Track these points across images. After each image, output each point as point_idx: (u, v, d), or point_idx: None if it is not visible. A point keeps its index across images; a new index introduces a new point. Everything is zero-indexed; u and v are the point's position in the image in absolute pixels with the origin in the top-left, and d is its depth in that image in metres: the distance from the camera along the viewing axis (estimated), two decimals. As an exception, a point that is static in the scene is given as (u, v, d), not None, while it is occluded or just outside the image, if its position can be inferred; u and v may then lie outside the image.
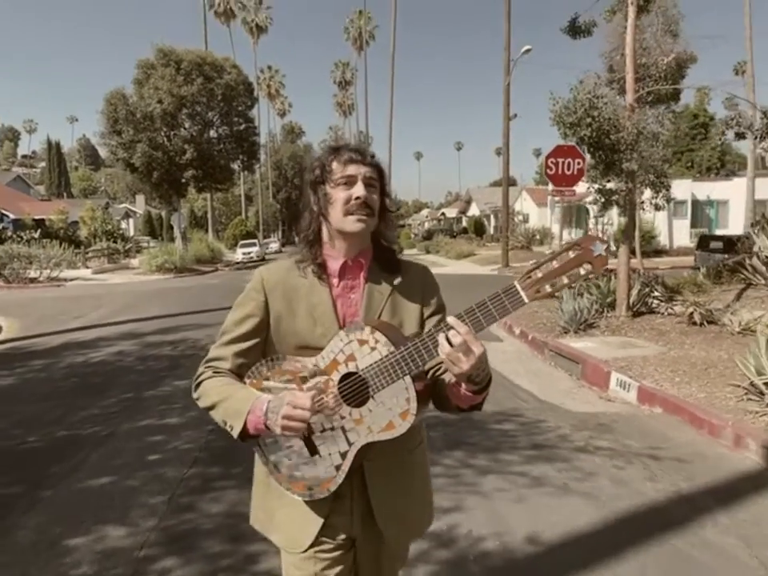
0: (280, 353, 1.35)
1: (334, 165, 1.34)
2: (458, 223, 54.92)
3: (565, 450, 4.03)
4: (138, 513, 3.18)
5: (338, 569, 1.37)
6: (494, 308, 1.13)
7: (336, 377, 1.26)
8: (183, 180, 24.02)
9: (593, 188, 8.02)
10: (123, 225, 40.81)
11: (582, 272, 1.10)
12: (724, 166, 46.93)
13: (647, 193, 14.83)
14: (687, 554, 2.71)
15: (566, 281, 1.11)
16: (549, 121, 7.25)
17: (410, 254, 36.35)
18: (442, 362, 1.28)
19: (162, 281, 20.86)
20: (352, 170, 1.32)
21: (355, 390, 1.24)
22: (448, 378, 1.29)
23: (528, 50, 20.56)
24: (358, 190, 1.31)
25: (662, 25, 14.12)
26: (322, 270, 1.37)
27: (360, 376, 1.23)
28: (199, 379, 1.38)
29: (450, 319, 1.14)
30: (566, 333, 7.76)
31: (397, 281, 1.39)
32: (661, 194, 14.57)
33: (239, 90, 25.26)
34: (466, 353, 1.12)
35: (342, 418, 1.26)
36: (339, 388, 1.25)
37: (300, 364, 1.29)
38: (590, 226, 29.57)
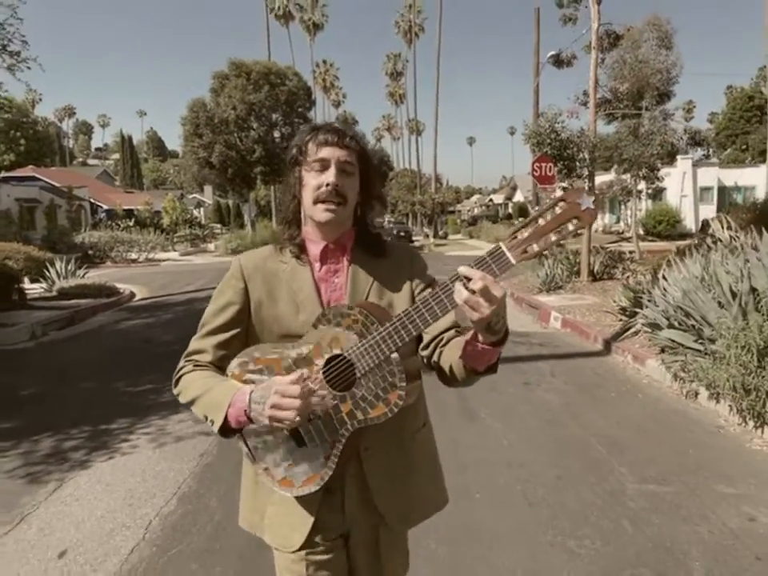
0: (262, 342, 1.28)
1: (309, 146, 1.27)
2: (504, 209, 57.15)
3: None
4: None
5: (330, 569, 1.33)
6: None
7: (321, 362, 1.18)
8: (253, 175, 27.88)
9: (559, 186, 10.94)
10: (196, 213, 45.53)
11: (571, 227, 1.03)
12: (781, 148, 46.61)
13: (642, 184, 17.69)
14: (521, 370, 5.88)
15: (554, 238, 1.04)
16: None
17: (454, 238, 39.37)
18: (446, 330, 1.28)
19: (237, 261, 24.71)
20: (325, 153, 1.25)
21: (341, 373, 1.17)
22: (455, 348, 1.22)
23: (555, 54, 23.02)
24: (329, 176, 1.24)
25: (656, 39, 16.61)
26: (301, 252, 1.32)
27: (345, 358, 1.16)
28: (180, 373, 1.32)
29: (462, 268, 1.06)
30: (540, 292, 10.81)
31: (382, 263, 1.33)
32: (654, 185, 17.48)
33: (299, 95, 28.82)
34: (487, 296, 1.03)
35: (330, 404, 1.17)
36: (324, 372, 1.18)
37: (283, 352, 1.21)
38: (621, 212, 31.68)
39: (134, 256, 24.72)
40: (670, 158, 19.01)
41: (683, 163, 28.49)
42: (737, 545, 2.71)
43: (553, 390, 5.26)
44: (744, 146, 46.76)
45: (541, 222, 1.05)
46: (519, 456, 3.74)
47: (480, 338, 1.13)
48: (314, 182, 1.26)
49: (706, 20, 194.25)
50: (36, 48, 9.77)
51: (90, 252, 23.78)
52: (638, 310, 6.71)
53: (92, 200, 36.36)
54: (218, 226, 43.41)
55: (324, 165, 1.26)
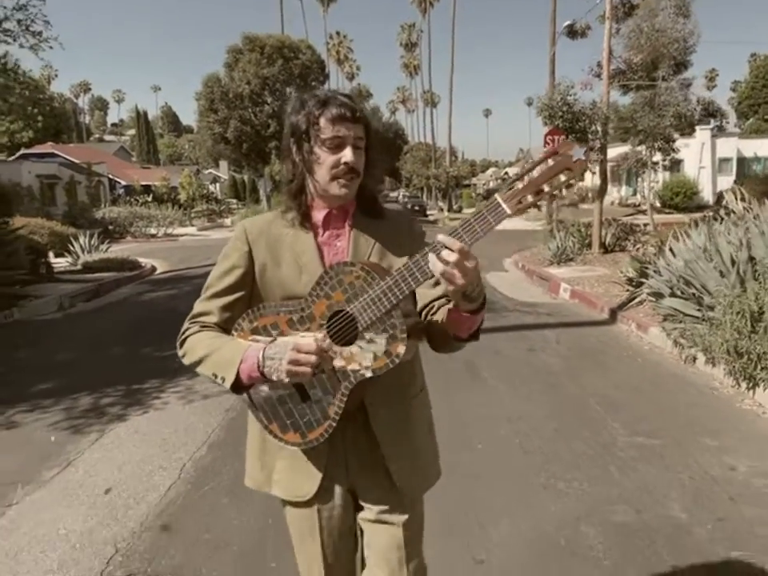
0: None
1: (322, 122, 1.25)
2: (520, 182, 56.71)
3: (503, 310, 7.44)
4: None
5: (341, 522, 1.38)
6: (477, 225, 1.11)
7: (323, 318, 1.22)
8: (267, 150, 28.04)
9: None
10: (212, 188, 45.86)
11: (563, 178, 1.07)
12: (806, 118, 45.34)
13: (657, 156, 17.57)
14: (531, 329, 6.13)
15: (547, 189, 1.08)
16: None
17: (468, 212, 39.20)
18: (436, 299, 1.31)
19: (254, 236, 25.06)
20: (341, 130, 1.25)
21: (343, 327, 1.20)
22: (441, 315, 1.26)
23: (569, 24, 22.65)
24: (347, 155, 1.26)
25: (674, 7, 16.34)
26: (305, 220, 1.34)
27: (347, 312, 1.20)
28: (185, 335, 1.34)
29: (441, 237, 1.10)
30: (551, 264, 10.97)
31: (382, 227, 1.37)
32: (669, 157, 17.36)
33: (313, 69, 28.78)
34: (461, 267, 1.08)
35: (332, 358, 1.21)
36: (327, 327, 1.21)
37: (286, 309, 1.26)
38: (638, 184, 31.35)
39: (153, 231, 25.15)
40: (690, 128, 18.79)
41: (702, 134, 28.03)
42: (714, 488, 2.97)
43: (556, 355, 5.51)
44: (767, 116, 45.68)
45: (535, 173, 1.08)
46: (519, 412, 4.02)
47: (460, 306, 1.18)
48: (330, 159, 1.26)
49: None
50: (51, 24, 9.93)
51: (111, 227, 24.22)
52: (643, 280, 6.89)
53: (110, 176, 36.81)
54: (234, 201, 43.68)
55: (340, 143, 1.26)
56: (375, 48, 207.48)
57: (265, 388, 1.28)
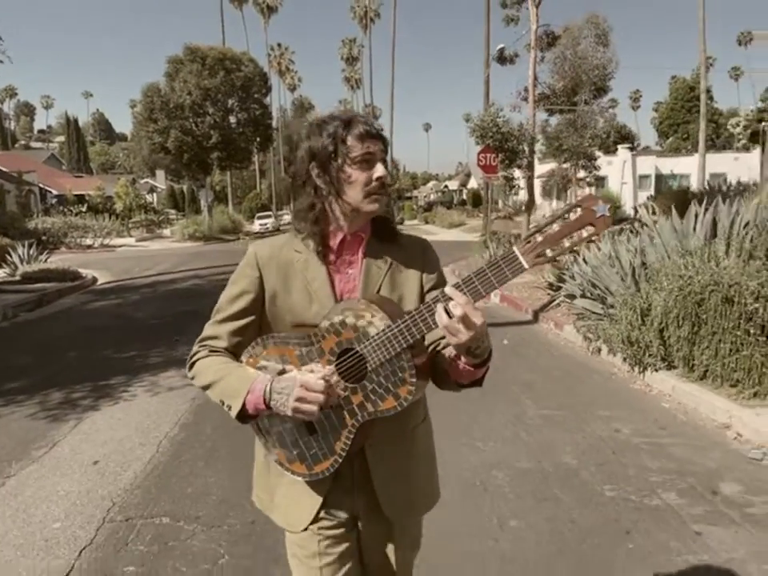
0: (276, 331, 1.32)
1: (350, 140, 1.26)
2: (459, 195, 58.52)
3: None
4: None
5: (341, 547, 1.36)
6: (492, 276, 1.09)
7: (332, 354, 1.22)
8: (209, 160, 28.09)
9: (501, 175, 12.00)
10: (149, 198, 44.99)
11: (585, 234, 1.06)
12: (719, 137, 48.74)
13: (581, 173, 18.94)
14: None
15: (567, 244, 1.07)
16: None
17: (410, 224, 40.35)
18: (442, 337, 1.26)
19: (195, 247, 24.97)
20: (371, 147, 1.27)
21: (353, 366, 1.21)
22: (448, 352, 1.25)
23: (501, 48, 24.10)
24: (380, 170, 1.27)
25: (594, 36, 17.84)
26: (322, 246, 1.33)
27: (357, 351, 1.20)
28: (194, 358, 1.35)
29: (448, 289, 1.10)
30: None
31: (395, 255, 1.35)
32: (591, 174, 18.77)
33: (255, 81, 29.09)
34: (466, 323, 1.08)
35: (341, 395, 1.22)
36: (337, 365, 1.22)
37: (295, 342, 1.26)
38: (567, 198, 33.33)
39: (89, 242, 24.67)
40: (610, 148, 20.42)
41: (623, 152, 30.30)
42: (601, 445, 3.72)
43: (484, 350, 6.25)
44: (685, 135, 48.74)
45: (555, 227, 1.07)
46: (447, 393, 4.68)
47: (462, 358, 1.19)
48: (362, 177, 1.26)
49: (654, 16, 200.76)
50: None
51: (44, 238, 23.53)
52: (561, 284, 7.79)
53: (41, 185, 35.60)
54: (173, 211, 43.07)
55: (371, 159, 1.27)
56: (317, 61, 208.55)
57: (271, 417, 1.28)
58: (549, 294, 8.52)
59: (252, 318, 1.34)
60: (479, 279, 1.09)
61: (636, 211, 19.64)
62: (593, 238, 1.09)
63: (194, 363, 1.35)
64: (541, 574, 2.44)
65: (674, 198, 14.64)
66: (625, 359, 5.40)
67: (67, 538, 2.69)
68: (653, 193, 30.45)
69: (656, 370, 5.02)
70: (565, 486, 3.18)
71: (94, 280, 13.56)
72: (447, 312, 1.09)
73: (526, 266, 1.08)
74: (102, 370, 5.50)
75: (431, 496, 1.48)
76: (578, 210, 1.07)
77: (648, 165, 31.57)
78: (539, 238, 1.08)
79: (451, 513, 2.73)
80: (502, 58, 12.94)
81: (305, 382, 1.17)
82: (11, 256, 13.33)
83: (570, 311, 7.18)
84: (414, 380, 1.17)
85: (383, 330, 1.17)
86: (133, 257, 20.37)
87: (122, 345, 6.45)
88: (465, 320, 1.08)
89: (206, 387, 1.30)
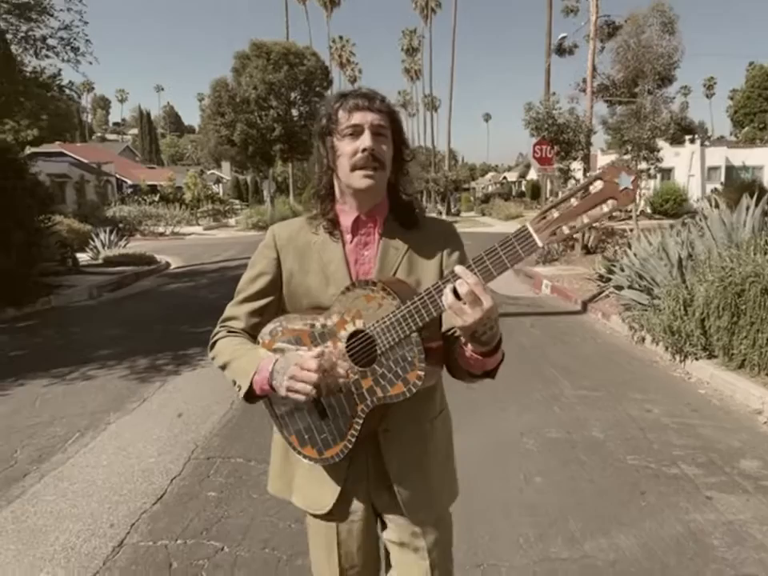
0: (292, 312, 1.32)
1: (340, 113, 1.24)
2: (518, 186, 57.76)
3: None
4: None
5: (361, 536, 1.36)
6: (504, 255, 1.04)
7: (344, 335, 1.20)
8: (272, 153, 29.11)
9: (557, 167, 12.06)
10: (215, 189, 46.89)
11: (606, 209, 0.98)
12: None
13: (643, 164, 18.64)
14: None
15: (586, 220, 0.99)
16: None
17: (466, 215, 40.37)
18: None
19: (258, 236, 25.79)
20: (358, 118, 1.23)
21: (363, 348, 1.18)
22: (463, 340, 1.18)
23: (564, 37, 23.76)
24: (365, 140, 1.22)
25: (659, 25, 17.41)
26: (333, 226, 1.31)
27: (367, 333, 1.17)
28: (214, 339, 1.37)
29: (458, 268, 1.05)
30: (537, 263, 12.01)
31: (415, 238, 1.31)
32: (654, 165, 18.48)
33: (317, 74, 29.83)
34: (473, 304, 1.03)
35: (351, 378, 1.19)
36: (347, 347, 1.20)
37: (309, 323, 1.24)
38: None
39: (161, 230, 26.12)
40: (678, 135, 19.79)
41: (691, 143, 29.20)
42: (629, 421, 4.00)
43: (528, 337, 6.54)
44: (762, 125, 46.27)
45: (573, 201, 1.00)
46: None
47: (469, 345, 1.15)
48: (348, 148, 1.23)
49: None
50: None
51: (120, 225, 25.21)
52: (611, 276, 7.93)
53: (117, 175, 37.88)
54: (237, 201, 44.74)
55: (358, 130, 1.23)
56: (377, 53, 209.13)
57: (285, 400, 1.24)
58: (599, 285, 8.65)
59: (270, 299, 1.36)
60: (490, 258, 1.05)
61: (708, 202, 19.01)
62: (614, 213, 1.02)
63: (214, 344, 1.37)
64: (558, 520, 2.79)
65: (741, 190, 14.24)
66: (667, 348, 5.57)
67: (160, 470, 3.26)
68: (720, 185, 29.40)
69: (696, 359, 5.19)
70: (590, 453, 3.49)
71: (168, 265, 14.58)
72: (455, 291, 1.06)
73: (540, 243, 1.01)
74: (180, 341, 6.17)
75: (449, 493, 1.44)
76: (599, 182, 0.99)
77: (718, 156, 30.28)
78: (555, 214, 1.01)
79: (482, 466, 3.13)
80: (561, 50, 12.93)
81: (299, 360, 1.16)
82: (94, 241, 14.54)
83: (618, 302, 7.33)
84: (423, 365, 1.14)
85: (393, 312, 1.14)
86: (201, 244, 21.46)
87: (197, 321, 7.11)
88: (472, 300, 1.04)
89: (222, 367, 1.32)
